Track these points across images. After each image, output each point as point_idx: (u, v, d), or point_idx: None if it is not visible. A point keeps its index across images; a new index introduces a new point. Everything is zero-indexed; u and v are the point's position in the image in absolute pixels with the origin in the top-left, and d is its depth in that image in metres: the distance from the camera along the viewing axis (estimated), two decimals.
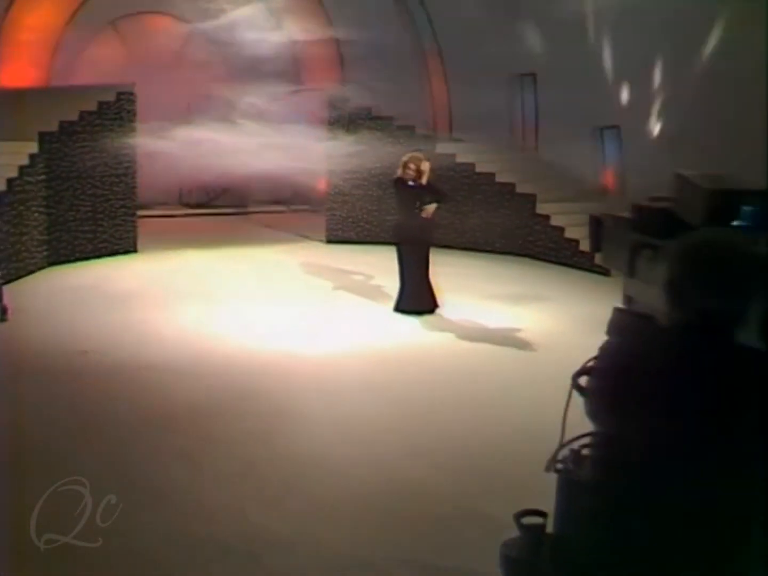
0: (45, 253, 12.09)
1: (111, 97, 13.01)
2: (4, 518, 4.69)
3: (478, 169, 14.54)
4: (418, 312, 9.64)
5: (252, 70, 16.83)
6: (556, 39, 15.84)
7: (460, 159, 14.63)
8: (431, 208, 9.77)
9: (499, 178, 14.39)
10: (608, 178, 16.86)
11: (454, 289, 10.39)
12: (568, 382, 2.59)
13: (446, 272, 10.62)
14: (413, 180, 9.65)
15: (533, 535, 3.72)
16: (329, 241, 14.77)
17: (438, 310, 9.82)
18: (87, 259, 12.69)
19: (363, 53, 16.74)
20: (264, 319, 9.62)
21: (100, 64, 16.34)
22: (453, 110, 17.56)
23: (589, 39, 15.89)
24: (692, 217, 3.54)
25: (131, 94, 13.25)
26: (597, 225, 5.05)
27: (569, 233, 13.31)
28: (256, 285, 11.43)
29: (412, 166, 9.64)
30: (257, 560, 4.59)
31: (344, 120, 14.72)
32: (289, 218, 17.29)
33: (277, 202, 18.20)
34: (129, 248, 13.37)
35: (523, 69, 16.87)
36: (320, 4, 17.52)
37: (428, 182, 9.82)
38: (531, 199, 14.00)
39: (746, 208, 3.07)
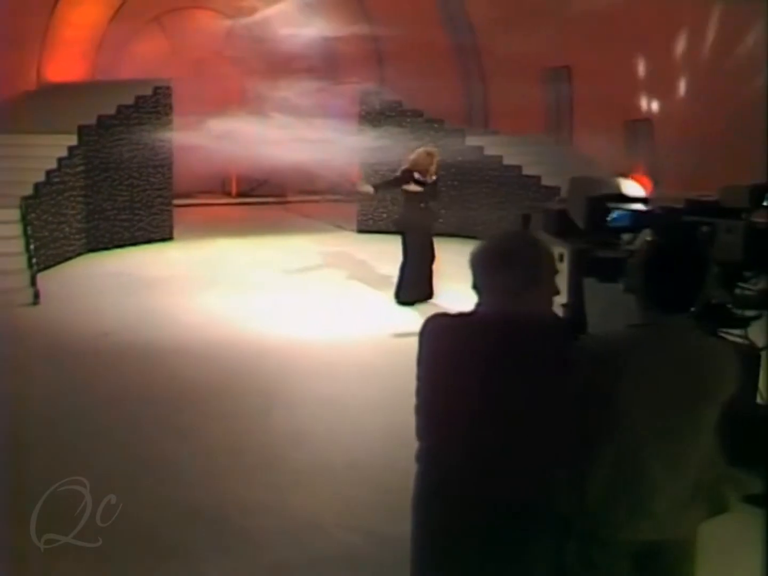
0: (83, 240, 12.72)
1: (148, 91, 13.59)
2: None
3: (505, 162, 14.80)
4: (415, 302, 9.99)
5: (289, 64, 17.36)
6: (590, 31, 15.99)
7: (488, 152, 14.92)
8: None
9: (526, 171, 14.63)
10: (639, 170, 17.00)
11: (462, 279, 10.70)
12: None
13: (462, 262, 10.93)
14: (421, 174, 9.99)
15: None
16: (360, 231, 15.19)
17: (433, 299, 10.16)
18: (124, 246, 13.31)
19: (399, 48, 17.09)
20: (278, 306, 10.07)
21: (144, 58, 16.96)
22: (489, 103, 17.83)
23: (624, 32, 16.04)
24: (578, 219, 3.88)
25: (167, 88, 13.81)
26: (526, 220, 5.63)
27: None
28: (280, 273, 11.87)
29: (423, 161, 9.99)
30: (226, 522, 5.03)
31: (376, 113, 15.11)
32: (324, 208, 17.75)
33: (313, 192, 18.69)
34: (165, 236, 13.97)
35: (557, 62, 17.04)
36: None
37: (434, 179, 10.16)
38: (556, 192, 14.20)
39: (619, 212, 3.38)
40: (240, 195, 19.08)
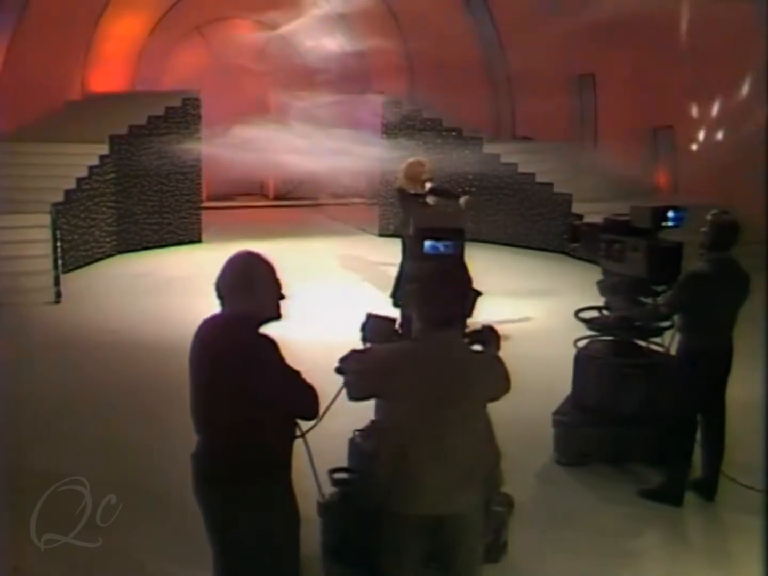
0: (113, 242, 13.63)
1: (177, 102, 14.45)
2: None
3: (520, 170, 15.30)
4: None
5: (321, 75, 18.09)
6: (615, 39, 16.34)
7: (504, 159, 15.43)
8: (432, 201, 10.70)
9: (539, 179, 15.11)
10: (661, 177, 17.33)
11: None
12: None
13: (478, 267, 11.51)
14: (413, 185, 10.57)
15: (341, 486, 4.84)
16: (381, 235, 15.85)
17: None
18: (153, 248, 14.20)
19: (429, 58, 17.69)
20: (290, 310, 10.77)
21: (185, 67, 17.87)
22: (516, 111, 18.28)
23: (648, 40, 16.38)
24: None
25: (196, 99, 14.65)
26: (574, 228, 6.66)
27: None
28: (294, 276, 12.54)
29: (412, 171, 10.56)
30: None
31: (397, 123, 15.78)
32: (352, 211, 18.44)
33: (342, 196, 19.40)
34: (193, 238, 14.82)
35: (582, 70, 17.41)
36: (389, 11, 18.51)
37: (431, 187, 10.72)
38: (567, 198, 14.67)
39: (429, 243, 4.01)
40: (276, 198, 19.90)
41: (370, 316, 4.27)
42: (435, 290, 3.43)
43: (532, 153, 15.78)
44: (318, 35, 17.58)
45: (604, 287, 6.34)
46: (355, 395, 3.62)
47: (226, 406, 3.48)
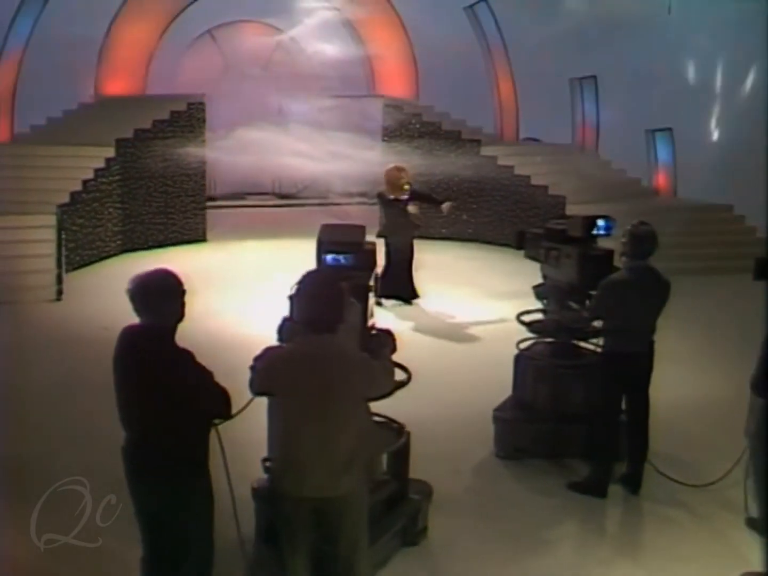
0: (119, 242, 14.20)
1: (182, 107, 14.96)
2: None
3: (516, 172, 15.65)
4: (396, 297, 11.08)
5: (330, 77, 18.52)
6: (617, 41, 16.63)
7: (501, 162, 15.80)
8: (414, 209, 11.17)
9: (534, 181, 15.45)
10: (660, 179, 17.60)
11: (464, 283, 11.86)
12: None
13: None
14: (393, 190, 11.06)
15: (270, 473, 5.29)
16: (378, 236, 16.24)
17: (418, 301, 11.23)
18: (158, 247, 14.72)
19: (434, 61, 18.05)
20: (272, 307, 11.23)
21: (197, 71, 18.37)
22: (520, 114, 18.58)
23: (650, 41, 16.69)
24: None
25: (201, 104, 15.17)
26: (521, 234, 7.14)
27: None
28: (291, 275, 13.03)
29: (391, 177, 11.05)
30: None
31: (397, 126, 16.22)
32: (359, 210, 18.85)
33: (350, 195, 19.80)
34: (198, 238, 15.34)
35: (584, 72, 17.71)
36: (396, 14, 18.88)
37: (412, 191, 11.17)
38: (561, 200, 15.00)
39: (330, 257, 4.41)
40: (286, 196, 20.38)
41: (285, 319, 4.71)
42: (310, 297, 3.89)
43: (530, 155, 16.11)
44: (324, 38, 17.99)
45: (538, 292, 6.75)
46: (253, 391, 4.11)
47: (147, 407, 3.96)
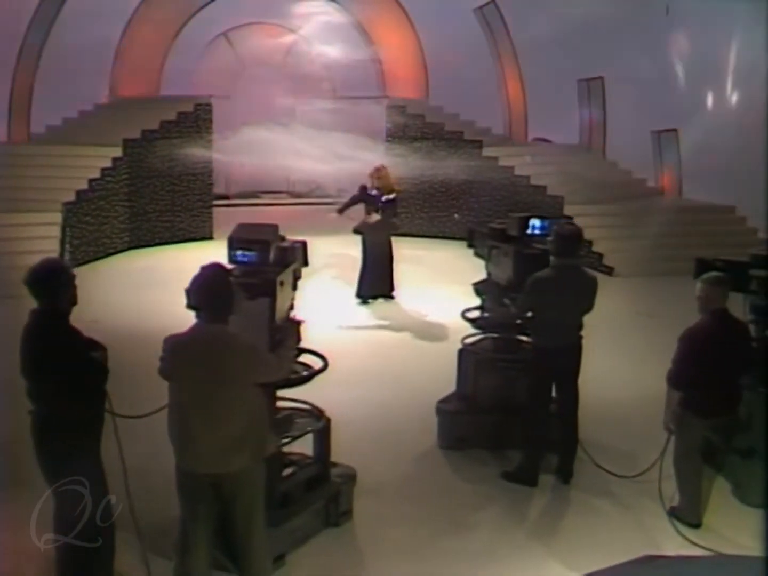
0: (126, 238, 14.69)
1: (189, 108, 15.42)
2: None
3: (516, 172, 15.89)
4: (375, 297, 11.43)
5: (342, 79, 18.91)
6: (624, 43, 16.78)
7: (502, 162, 16.05)
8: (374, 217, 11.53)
9: (534, 181, 15.67)
10: (665, 179, 17.71)
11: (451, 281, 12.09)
12: None
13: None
14: (375, 188, 11.42)
15: None
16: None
17: (395, 297, 11.57)
18: (165, 244, 15.20)
19: (444, 63, 18.32)
20: None
21: (212, 72, 18.83)
22: (528, 115, 18.79)
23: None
24: None
25: (208, 105, 15.62)
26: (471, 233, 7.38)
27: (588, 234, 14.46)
28: None
29: (373, 179, 11.43)
30: None
31: (401, 127, 16.54)
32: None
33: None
34: (205, 235, 15.78)
35: (591, 73, 17.86)
36: (406, 16, 19.17)
37: (394, 198, 11.51)
38: (559, 201, 15.20)
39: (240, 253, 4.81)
40: (299, 195, 20.81)
41: None
42: (196, 289, 4.24)
43: (529, 156, 16.32)
44: (335, 41, 18.35)
45: (477, 288, 7.03)
46: (162, 376, 4.48)
47: (43, 380, 4.35)
